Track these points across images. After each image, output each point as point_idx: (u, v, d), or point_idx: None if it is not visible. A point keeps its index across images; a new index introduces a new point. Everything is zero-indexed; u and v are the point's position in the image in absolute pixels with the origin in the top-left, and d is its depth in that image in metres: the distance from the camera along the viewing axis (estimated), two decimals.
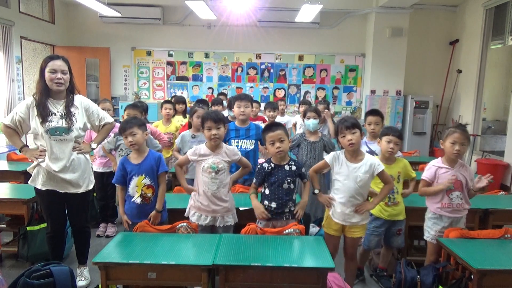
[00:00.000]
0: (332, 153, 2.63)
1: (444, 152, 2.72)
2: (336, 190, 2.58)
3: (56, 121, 2.63)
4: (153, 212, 2.66)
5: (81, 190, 2.78)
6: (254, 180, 2.64)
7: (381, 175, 2.55)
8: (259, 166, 2.61)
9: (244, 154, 3.38)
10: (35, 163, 2.71)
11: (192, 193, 2.68)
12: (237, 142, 3.43)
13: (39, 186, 2.71)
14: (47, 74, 2.60)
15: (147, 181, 2.64)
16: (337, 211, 2.58)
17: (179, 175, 2.73)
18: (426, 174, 2.77)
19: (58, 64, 2.62)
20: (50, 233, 2.85)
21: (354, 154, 2.56)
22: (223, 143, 2.72)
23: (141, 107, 3.92)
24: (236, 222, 2.71)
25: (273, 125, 2.60)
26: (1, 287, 2.51)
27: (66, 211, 2.91)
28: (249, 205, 2.84)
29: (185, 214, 2.70)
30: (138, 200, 2.64)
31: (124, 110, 3.74)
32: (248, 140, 3.45)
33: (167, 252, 2.15)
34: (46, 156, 2.66)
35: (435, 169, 2.72)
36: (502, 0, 6.30)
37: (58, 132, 2.63)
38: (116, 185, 2.76)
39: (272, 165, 2.56)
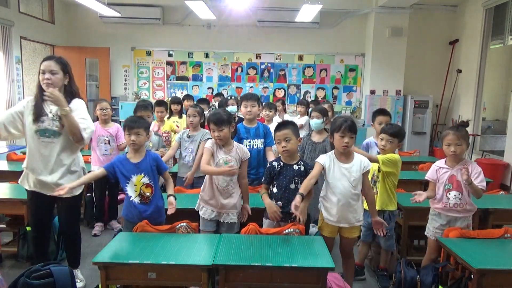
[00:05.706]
0: (323, 155, 2.61)
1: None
2: (330, 193, 2.56)
3: (48, 123, 2.59)
4: (169, 199, 2.63)
5: (67, 195, 2.56)
6: (263, 179, 2.65)
7: (364, 175, 2.56)
8: (268, 165, 2.63)
9: (256, 153, 3.42)
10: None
11: (203, 187, 2.71)
12: (249, 141, 3.43)
13: (27, 187, 2.71)
14: (40, 75, 2.59)
15: (146, 180, 2.64)
16: (332, 214, 2.56)
17: (210, 170, 2.61)
18: (427, 174, 2.83)
19: (47, 64, 2.57)
20: (33, 233, 2.82)
21: (345, 155, 2.56)
22: (234, 142, 2.76)
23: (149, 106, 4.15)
24: (242, 221, 2.73)
25: (281, 124, 2.62)
26: (1, 287, 2.51)
27: (57, 214, 2.90)
28: (254, 205, 2.84)
29: (196, 208, 2.75)
30: (137, 200, 2.63)
31: (135, 112, 3.87)
32: (259, 140, 3.46)
33: (167, 252, 2.15)
34: (31, 158, 2.63)
35: (436, 169, 2.75)
36: (502, 0, 6.30)
37: (47, 134, 2.60)
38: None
39: (281, 163, 2.57)
